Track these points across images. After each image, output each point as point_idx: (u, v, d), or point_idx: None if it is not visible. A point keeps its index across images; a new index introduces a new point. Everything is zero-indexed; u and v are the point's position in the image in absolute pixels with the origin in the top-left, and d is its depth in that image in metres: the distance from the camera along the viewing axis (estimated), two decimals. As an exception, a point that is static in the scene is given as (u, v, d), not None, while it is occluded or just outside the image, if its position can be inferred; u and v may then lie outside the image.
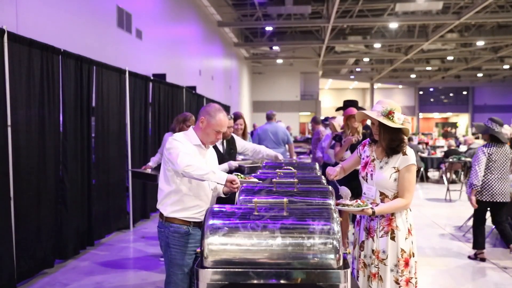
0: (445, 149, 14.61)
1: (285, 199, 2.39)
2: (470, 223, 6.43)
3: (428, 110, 43.31)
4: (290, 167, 3.80)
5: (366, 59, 26.94)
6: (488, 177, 5.38)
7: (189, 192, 2.94)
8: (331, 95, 40.61)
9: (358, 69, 32.07)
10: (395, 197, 2.93)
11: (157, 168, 5.75)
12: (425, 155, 13.82)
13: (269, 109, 9.80)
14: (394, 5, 15.54)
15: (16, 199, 4.44)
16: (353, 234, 3.20)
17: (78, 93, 5.69)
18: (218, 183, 2.86)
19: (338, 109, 6.44)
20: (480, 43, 20.89)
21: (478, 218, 5.63)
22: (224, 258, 2.20)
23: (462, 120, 42.18)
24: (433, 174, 14.78)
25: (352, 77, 35.21)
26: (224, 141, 4.57)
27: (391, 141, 2.92)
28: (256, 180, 3.14)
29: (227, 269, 2.19)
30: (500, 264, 5.49)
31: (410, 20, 17.27)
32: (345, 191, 2.92)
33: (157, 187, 3.10)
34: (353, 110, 5.36)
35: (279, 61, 27.40)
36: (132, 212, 7.24)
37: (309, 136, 18.46)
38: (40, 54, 4.85)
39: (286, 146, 8.48)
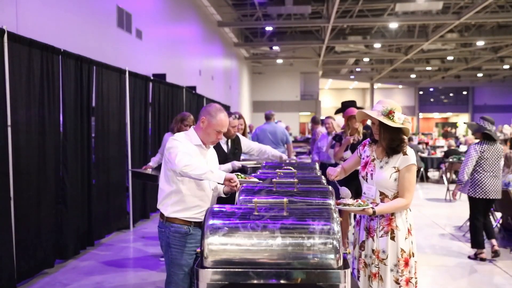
0: (445, 149, 14.61)
1: (285, 199, 2.39)
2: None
3: (428, 110, 43.30)
4: (290, 167, 3.80)
5: (366, 59, 26.94)
6: (481, 174, 5.47)
7: (190, 192, 2.95)
8: (331, 95, 40.59)
9: (358, 69, 32.06)
10: (395, 197, 2.94)
11: (158, 168, 5.76)
12: (425, 155, 13.82)
13: (269, 109, 9.80)
14: (394, 5, 15.54)
15: (16, 199, 4.44)
16: (353, 234, 3.21)
17: (78, 93, 5.69)
18: (218, 183, 2.87)
19: (337, 112, 6.39)
20: (480, 43, 20.89)
21: (474, 216, 5.67)
22: (224, 258, 2.20)
23: (462, 120, 42.18)
24: (433, 174, 14.78)
25: (352, 77, 35.20)
26: (229, 140, 4.56)
27: (391, 140, 2.92)
28: (256, 180, 3.14)
29: (227, 269, 2.19)
30: (500, 264, 5.49)
31: (410, 20, 17.27)
32: (345, 191, 2.92)
33: (157, 187, 3.10)
34: (354, 110, 5.36)
35: (279, 61, 27.40)
36: (132, 212, 7.24)
37: (309, 136, 18.46)
38: (40, 54, 4.85)
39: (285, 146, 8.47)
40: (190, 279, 2.96)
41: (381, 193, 2.96)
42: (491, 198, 5.50)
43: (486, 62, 26.65)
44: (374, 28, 20.41)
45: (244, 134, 5.37)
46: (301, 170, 4.14)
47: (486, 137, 5.52)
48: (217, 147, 4.37)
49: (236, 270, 2.18)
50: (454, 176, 12.39)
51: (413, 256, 2.93)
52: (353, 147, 5.37)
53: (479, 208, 5.62)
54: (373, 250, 2.94)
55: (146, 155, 7.77)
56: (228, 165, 4.25)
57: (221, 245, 2.20)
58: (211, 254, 2.19)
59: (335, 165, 5.64)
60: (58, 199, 5.25)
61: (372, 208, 2.81)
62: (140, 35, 10.36)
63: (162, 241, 3.03)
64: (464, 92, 41.96)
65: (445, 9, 16.22)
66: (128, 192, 7.19)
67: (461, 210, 8.72)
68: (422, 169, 13.07)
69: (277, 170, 3.59)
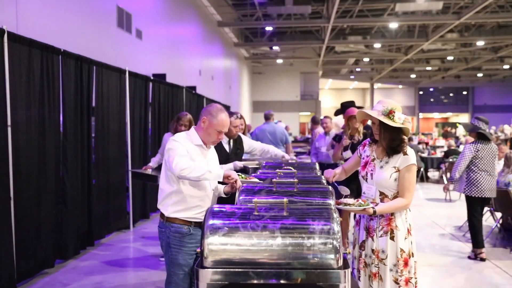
0: (445, 149, 14.61)
1: (285, 199, 2.39)
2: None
3: (428, 110, 43.30)
4: (290, 167, 3.80)
5: (366, 59, 26.93)
6: (476, 174, 5.56)
7: (190, 192, 2.95)
8: (331, 95, 40.59)
9: (358, 69, 32.06)
10: (395, 197, 2.94)
11: (158, 168, 5.77)
12: (425, 155, 13.82)
13: (269, 109, 9.80)
14: (394, 5, 15.54)
15: (16, 199, 4.44)
16: (353, 234, 3.21)
17: (78, 93, 5.69)
18: (218, 182, 2.88)
19: (336, 113, 6.34)
20: (480, 43, 20.89)
21: (471, 214, 5.73)
22: (224, 258, 2.20)
23: (462, 120, 42.13)
24: (433, 174, 14.78)
25: (352, 77, 35.20)
26: (231, 140, 4.57)
27: (391, 140, 2.92)
28: (257, 180, 3.14)
29: (227, 269, 2.19)
30: (500, 264, 5.50)
31: (410, 20, 17.27)
32: (343, 188, 2.95)
33: (157, 187, 3.10)
34: (354, 110, 5.36)
35: (279, 61, 27.40)
36: (132, 212, 7.24)
37: (309, 136, 18.46)
38: (40, 54, 4.85)
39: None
40: (190, 279, 2.96)
41: (381, 193, 2.97)
42: (486, 196, 5.60)
43: (486, 62, 26.65)
44: (374, 28, 20.41)
45: (243, 134, 5.36)
46: (301, 170, 4.14)
47: (480, 137, 5.61)
48: (219, 147, 4.38)
49: (236, 270, 2.18)
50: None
51: (413, 256, 2.93)
52: (353, 147, 5.37)
53: (476, 207, 5.69)
54: (372, 250, 2.94)
55: (146, 155, 7.77)
56: (230, 165, 4.25)
57: (221, 245, 2.20)
58: (211, 254, 2.19)
59: (335, 165, 5.65)
60: (58, 199, 5.25)
61: (373, 208, 2.81)
62: (140, 35, 10.36)
63: (162, 241, 3.03)
64: (464, 92, 41.96)
65: (445, 9, 16.22)
66: (128, 192, 7.19)
67: (461, 210, 8.70)
68: (422, 169, 13.07)
69: (277, 170, 3.59)
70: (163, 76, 9.52)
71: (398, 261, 2.89)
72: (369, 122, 5.75)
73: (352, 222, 6.29)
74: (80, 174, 5.74)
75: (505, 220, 6.75)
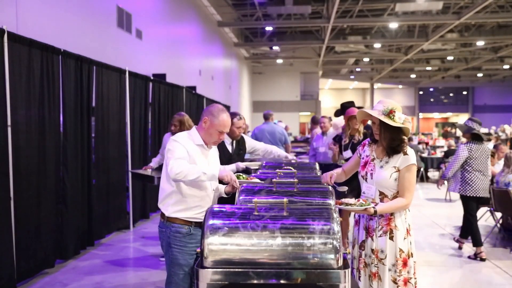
0: (445, 149, 14.62)
1: (285, 199, 2.39)
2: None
3: (428, 110, 43.29)
4: (290, 167, 3.80)
5: (366, 59, 26.93)
6: (471, 173, 5.70)
7: (191, 192, 2.96)
8: (331, 95, 40.58)
9: (358, 69, 32.06)
10: (394, 196, 2.94)
11: (158, 169, 5.77)
12: (425, 155, 13.82)
13: (269, 109, 9.80)
14: (394, 5, 15.54)
15: (16, 199, 4.44)
16: (353, 233, 3.21)
17: (78, 93, 5.69)
18: (219, 182, 2.89)
19: (337, 114, 6.27)
20: (480, 43, 20.88)
21: (468, 213, 5.84)
22: (224, 258, 2.20)
23: (462, 120, 42.07)
24: (433, 174, 14.78)
25: (352, 77, 35.19)
26: (234, 141, 4.57)
27: (391, 140, 2.93)
28: (257, 180, 3.14)
29: (227, 269, 2.19)
30: (500, 264, 5.50)
31: (410, 20, 17.27)
32: (341, 187, 3.02)
33: (157, 187, 3.11)
34: (354, 111, 5.35)
35: (279, 61, 27.40)
36: (132, 212, 7.24)
37: (309, 136, 18.46)
38: (40, 54, 4.85)
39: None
40: (190, 279, 2.97)
41: (381, 193, 2.97)
42: (480, 196, 5.72)
43: (486, 62, 26.65)
44: (374, 28, 20.40)
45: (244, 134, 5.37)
46: (301, 170, 4.15)
47: (474, 137, 5.76)
48: (222, 148, 4.39)
49: (236, 270, 2.18)
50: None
51: (412, 257, 2.93)
52: (353, 147, 5.36)
53: (472, 206, 5.82)
54: (372, 250, 2.95)
55: (146, 155, 7.77)
56: (232, 166, 4.26)
57: (221, 245, 2.20)
58: (211, 254, 2.20)
59: (334, 165, 5.65)
60: (58, 199, 5.25)
61: (374, 207, 2.81)
62: (140, 35, 10.36)
63: (162, 241, 3.04)
64: (464, 92, 41.95)
65: (445, 9, 16.22)
66: (128, 192, 7.19)
67: (461, 210, 8.69)
68: (422, 169, 13.08)
69: (277, 170, 3.59)
70: (163, 76, 9.52)
71: (397, 261, 2.89)
72: (369, 122, 5.75)
73: (352, 222, 6.29)
74: (80, 174, 5.74)
75: (505, 220, 6.76)
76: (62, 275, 5.00)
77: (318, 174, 4.00)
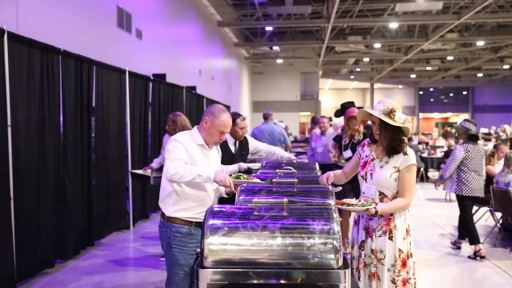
0: (445, 149, 14.61)
1: (285, 199, 2.39)
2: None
3: (428, 110, 43.28)
4: (290, 167, 3.80)
5: (366, 59, 26.92)
6: (466, 174, 5.80)
7: (191, 192, 2.96)
8: (331, 95, 40.57)
9: (358, 69, 32.04)
10: (394, 197, 2.94)
11: (159, 169, 5.77)
12: (425, 155, 13.82)
13: (269, 109, 9.80)
14: (394, 5, 15.53)
15: (16, 199, 4.44)
16: (352, 233, 3.21)
17: (78, 93, 5.69)
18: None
19: (337, 114, 6.26)
20: (480, 43, 20.88)
21: (464, 212, 5.93)
22: (224, 258, 2.20)
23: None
24: (433, 174, 14.78)
25: (352, 77, 35.19)
26: (237, 141, 4.58)
27: (391, 140, 2.93)
28: (258, 180, 3.15)
29: (227, 269, 2.19)
30: (500, 264, 5.50)
31: (410, 20, 17.26)
32: (335, 188, 3.05)
33: (156, 187, 3.11)
34: (355, 111, 5.35)
35: (279, 61, 27.39)
36: (132, 212, 7.24)
37: (308, 136, 18.45)
38: (40, 54, 4.85)
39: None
40: (190, 279, 2.97)
41: (381, 193, 2.97)
42: (475, 195, 5.82)
43: (486, 62, 26.63)
44: (374, 28, 20.40)
45: (243, 134, 5.37)
46: (301, 170, 4.14)
47: (470, 138, 5.86)
48: (225, 148, 4.39)
49: (236, 270, 2.18)
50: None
51: (411, 257, 2.93)
52: (353, 147, 5.36)
53: (468, 205, 5.92)
54: (372, 250, 2.95)
55: (146, 155, 7.78)
56: (235, 167, 4.26)
57: (221, 245, 2.20)
58: (211, 254, 2.19)
59: (333, 165, 5.65)
60: (58, 199, 5.25)
61: (375, 208, 2.81)
62: (140, 35, 10.36)
63: (163, 241, 3.04)
64: (464, 92, 41.94)
65: (445, 9, 16.21)
66: (128, 192, 7.20)
67: (461, 210, 8.72)
68: (422, 169, 13.07)
69: (277, 170, 3.59)
70: (163, 76, 9.52)
71: (396, 261, 2.89)
72: (369, 122, 5.75)
73: (351, 222, 6.30)
74: (80, 174, 5.74)
75: (505, 220, 6.76)
76: (62, 275, 5.00)
77: (318, 174, 4.00)
